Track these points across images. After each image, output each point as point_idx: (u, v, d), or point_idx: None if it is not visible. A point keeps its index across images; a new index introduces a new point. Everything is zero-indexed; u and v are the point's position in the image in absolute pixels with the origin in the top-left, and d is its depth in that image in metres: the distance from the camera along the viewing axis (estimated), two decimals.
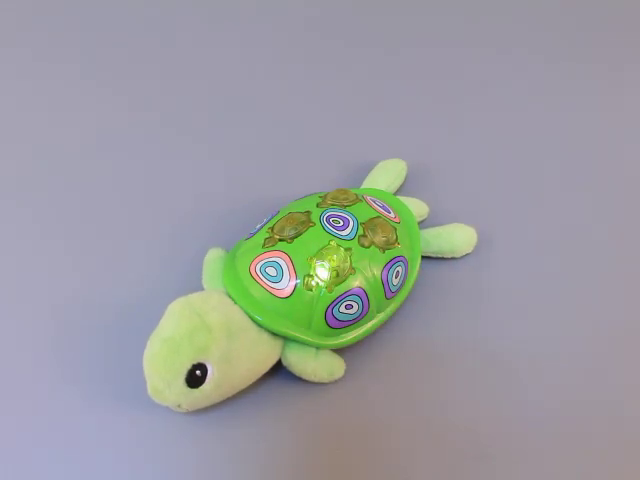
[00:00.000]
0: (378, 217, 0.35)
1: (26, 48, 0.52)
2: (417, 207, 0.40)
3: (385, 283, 0.33)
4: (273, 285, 0.32)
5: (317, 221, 0.33)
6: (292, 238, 0.32)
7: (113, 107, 0.48)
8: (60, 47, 0.52)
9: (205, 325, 0.30)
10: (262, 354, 0.32)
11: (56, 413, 0.33)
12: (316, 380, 0.33)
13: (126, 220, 0.41)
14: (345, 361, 0.34)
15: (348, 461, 0.32)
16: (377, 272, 0.33)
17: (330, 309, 0.32)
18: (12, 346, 0.35)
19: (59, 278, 0.38)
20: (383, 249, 0.33)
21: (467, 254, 0.40)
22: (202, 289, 0.35)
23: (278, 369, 0.33)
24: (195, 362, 0.30)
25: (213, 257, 0.36)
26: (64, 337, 0.35)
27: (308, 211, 0.34)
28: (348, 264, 0.32)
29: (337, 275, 0.32)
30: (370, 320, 0.34)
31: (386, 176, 0.41)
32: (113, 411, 0.33)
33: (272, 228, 0.34)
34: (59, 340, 0.35)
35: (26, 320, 0.36)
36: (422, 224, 0.40)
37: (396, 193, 0.42)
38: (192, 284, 0.34)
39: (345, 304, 0.32)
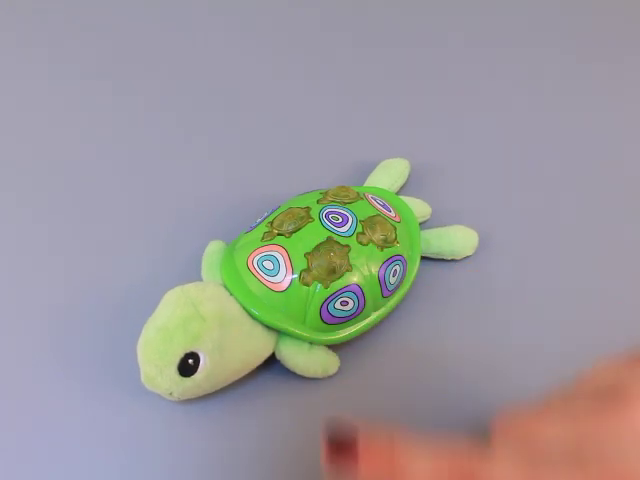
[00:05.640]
0: (378, 215, 0.35)
1: (26, 48, 0.53)
2: (419, 207, 0.40)
3: (382, 281, 0.33)
4: (269, 279, 0.32)
5: (316, 217, 0.33)
6: (290, 233, 0.33)
7: (113, 107, 0.48)
8: (60, 47, 0.53)
9: (199, 314, 0.31)
10: (255, 346, 0.32)
11: (50, 399, 0.33)
12: (309, 375, 0.33)
13: (127, 217, 0.41)
14: (340, 358, 0.34)
15: None
16: (374, 270, 0.33)
17: (325, 305, 0.32)
18: (10, 339, 0.36)
19: (59, 272, 0.38)
20: (381, 247, 0.33)
21: (468, 256, 0.40)
22: (201, 281, 0.35)
23: (273, 362, 0.33)
24: (188, 351, 0.30)
25: (213, 249, 0.36)
26: (64, 327, 0.36)
27: (308, 207, 0.34)
28: (345, 261, 0.32)
29: (334, 271, 0.32)
30: (365, 318, 0.34)
31: (389, 175, 0.41)
32: (107, 397, 0.33)
33: (272, 222, 0.34)
34: (59, 329, 0.36)
35: (25, 311, 0.37)
36: (424, 224, 0.40)
37: (399, 193, 0.42)
38: (191, 277, 0.34)
39: (341, 300, 0.32)
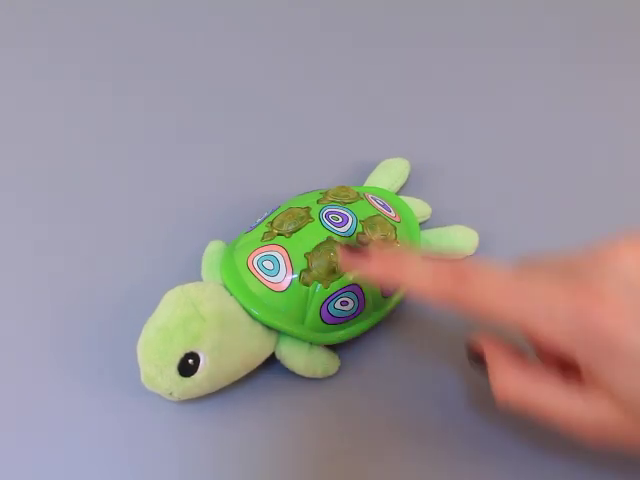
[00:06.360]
0: (378, 215, 0.35)
1: (26, 48, 0.53)
2: (420, 207, 0.40)
3: None
4: (269, 279, 0.32)
5: (316, 217, 0.33)
6: (290, 233, 0.33)
7: (113, 106, 0.48)
8: (60, 47, 0.53)
9: (199, 314, 0.31)
10: (255, 346, 0.32)
11: (50, 399, 0.33)
12: (309, 375, 0.33)
13: (127, 217, 0.41)
14: (340, 358, 0.34)
15: (339, 456, 0.32)
16: None
17: (325, 305, 0.32)
18: (10, 339, 0.36)
19: (60, 273, 0.38)
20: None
21: (468, 256, 0.39)
22: (201, 281, 0.35)
23: (273, 362, 0.33)
24: (188, 351, 0.30)
25: (213, 249, 0.36)
26: (64, 327, 0.36)
27: (308, 207, 0.34)
28: None
29: (334, 271, 0.32)
30: (366, 318, 0.34)
31: (389, 175, 0.41)
32: (107, 397, 0.33)
33: (271, 222, 0.34)
34: (59, 329, 0.36)
35: (25, 311, 0.37)
36: (424, 225, 0.40)
37: (399, 193, 0.42)
38: (191, 277, 0.34)
39: (341, 300, 0.32)
